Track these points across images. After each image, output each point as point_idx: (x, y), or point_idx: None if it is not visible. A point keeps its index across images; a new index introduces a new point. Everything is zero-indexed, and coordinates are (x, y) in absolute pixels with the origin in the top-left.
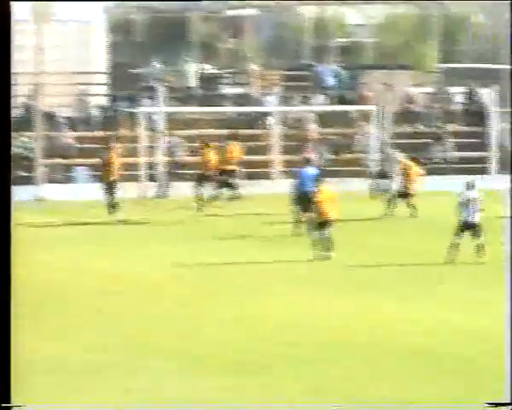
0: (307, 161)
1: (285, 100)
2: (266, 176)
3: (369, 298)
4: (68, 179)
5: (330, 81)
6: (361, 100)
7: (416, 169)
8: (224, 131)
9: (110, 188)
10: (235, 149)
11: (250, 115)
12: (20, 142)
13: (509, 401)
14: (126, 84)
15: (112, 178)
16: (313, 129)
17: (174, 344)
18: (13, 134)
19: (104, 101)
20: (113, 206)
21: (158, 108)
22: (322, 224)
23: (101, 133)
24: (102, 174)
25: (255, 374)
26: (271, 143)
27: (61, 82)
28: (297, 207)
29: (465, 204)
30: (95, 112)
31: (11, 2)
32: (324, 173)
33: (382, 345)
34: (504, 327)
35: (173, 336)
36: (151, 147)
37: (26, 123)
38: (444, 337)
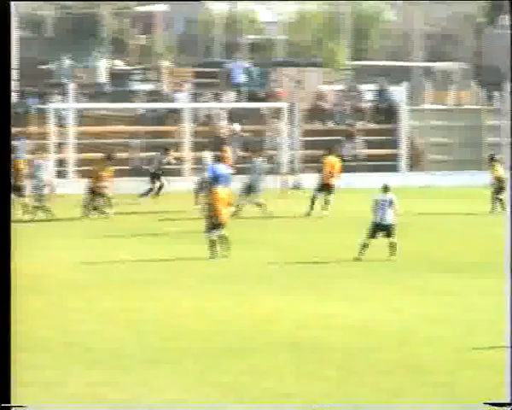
0: (219, 159)
1: (196, 97)
2: (177, 173)
3: (249, 293)
4: None
5: (241, 78)
6: (272, 97)
7: (337, 165)
8: (134, 128)
9: (18, 187)
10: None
11: (161, 112)
12: None
13: (508, 402)
14: (35, 80)
15: (19, 178)
16: (224, 126)
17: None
18: None
19: (12, 97)
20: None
21: (68, 105)
22: (216, 224)
23: None
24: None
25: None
26: (182, 140)
27: None
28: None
29: (379, 206)
30: None
31: (11, 3)
32: (235, 171)
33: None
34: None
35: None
36: (60, 143)
37: None
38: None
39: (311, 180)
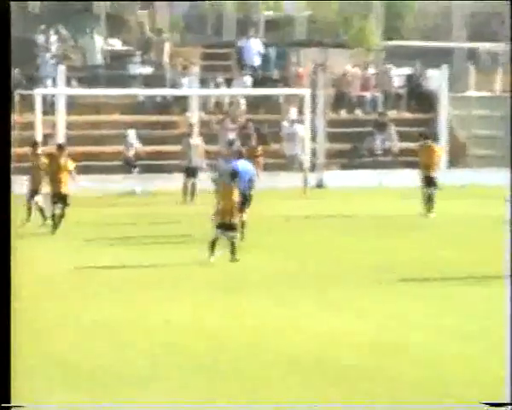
0: (238, 154)
1: (205, 81)
2: (178, 168)
3: (251, 304)
4: None
5: (256, 60)
6: (291, 82)
7: (438, 152)
8: (135, 117)
9: None
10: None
11: (165, 99)
12: None
13: (509, 402)
14: (21, 61)
15: None
16: (238, 115)
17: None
18: None
19: None
20: None
21: (57, 90)
22: (227, 225)
23: None
24: None
25: None
26: (190, 131)
27: None
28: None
29: None
30: None
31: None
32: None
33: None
34: None
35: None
36: (50, 135)
37: None
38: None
39: (335, 177)
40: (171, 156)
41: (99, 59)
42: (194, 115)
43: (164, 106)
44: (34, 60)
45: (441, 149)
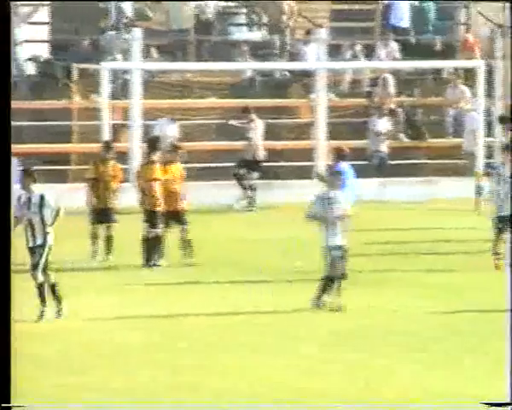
0: None
1: (336, 51)
2: (307, 173)
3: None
4: None
5: (406, 20)
6: (458, 50)
7: None
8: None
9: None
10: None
11: (281, 76)
12: None
13: (509, 401)
14: (82, 25)
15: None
16: (384, 97)
17: None
18: None
19: (44, 51)
20: None
21: (132, 64)
22: None
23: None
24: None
25: None
26: (314, 121)
27: None
28: None
29: None
30: (27, 69)
31: (11, 3)
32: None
33: None
34: None
35: None
36: (121, 125)
37: None
38: None
39: None
40: (290, 156)
41: (189, 20)
42: (321, 98)
43: (279, 86)
44: (103, 22)
45: None
